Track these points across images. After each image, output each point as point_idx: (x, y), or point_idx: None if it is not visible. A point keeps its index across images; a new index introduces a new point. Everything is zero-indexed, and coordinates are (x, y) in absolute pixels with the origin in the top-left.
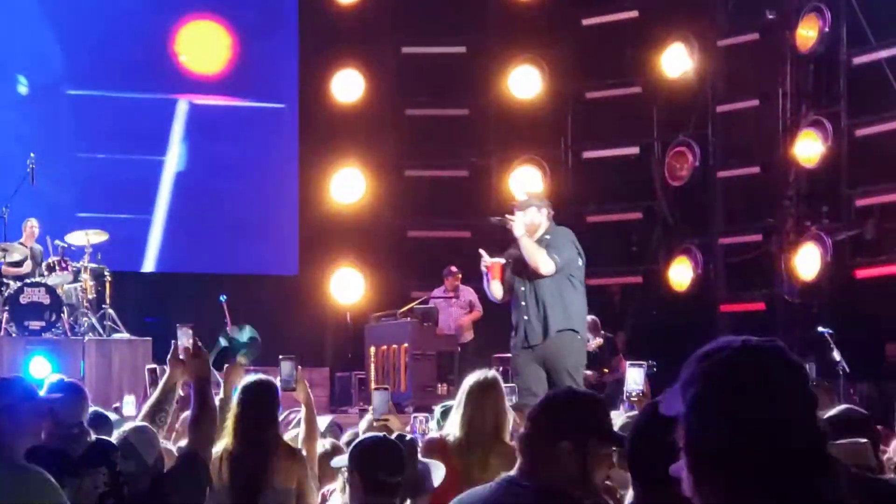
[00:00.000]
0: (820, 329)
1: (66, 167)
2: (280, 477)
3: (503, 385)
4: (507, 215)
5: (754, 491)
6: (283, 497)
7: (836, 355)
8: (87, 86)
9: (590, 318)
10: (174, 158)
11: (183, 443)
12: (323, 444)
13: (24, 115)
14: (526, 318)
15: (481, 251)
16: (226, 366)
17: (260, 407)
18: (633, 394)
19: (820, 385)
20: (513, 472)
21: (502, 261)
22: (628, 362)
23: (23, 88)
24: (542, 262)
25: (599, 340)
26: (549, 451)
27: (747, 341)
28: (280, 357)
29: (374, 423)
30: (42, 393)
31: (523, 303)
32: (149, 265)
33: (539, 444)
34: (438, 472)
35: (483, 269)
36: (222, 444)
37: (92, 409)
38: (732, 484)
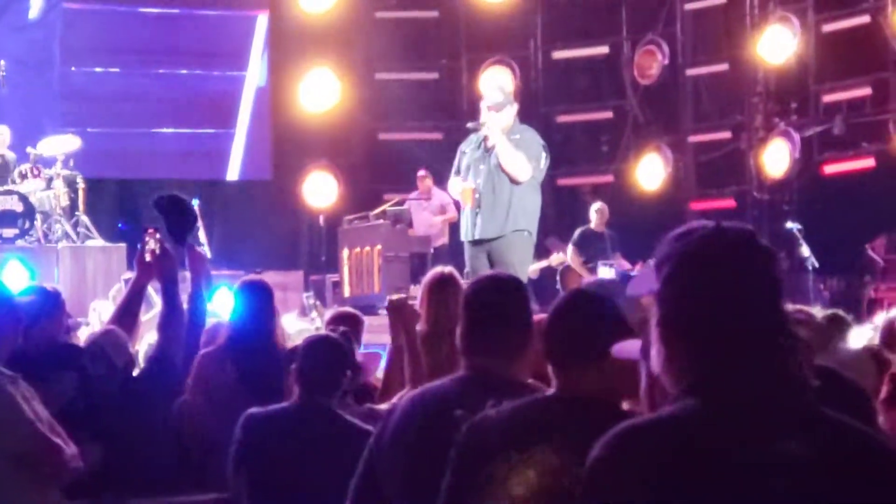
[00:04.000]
0: (789, 225)
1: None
2: (281, 378)
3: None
4: (481, 118)
5: (722, 361)
6: (281, 397)
7: (805, 251)
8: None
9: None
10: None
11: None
12: None
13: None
14: (478, 210)
15: (457, 179)
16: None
17: (259, 306)
18: None
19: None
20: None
21: (473, 186)
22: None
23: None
24: (522, 168)
25: (563, 256)
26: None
27: (721, 224)
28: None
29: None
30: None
31: (477, 194)
32: (122, 171)
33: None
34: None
35: (456, 196)
36: (222, 339)
37: None
38: (702, 355)
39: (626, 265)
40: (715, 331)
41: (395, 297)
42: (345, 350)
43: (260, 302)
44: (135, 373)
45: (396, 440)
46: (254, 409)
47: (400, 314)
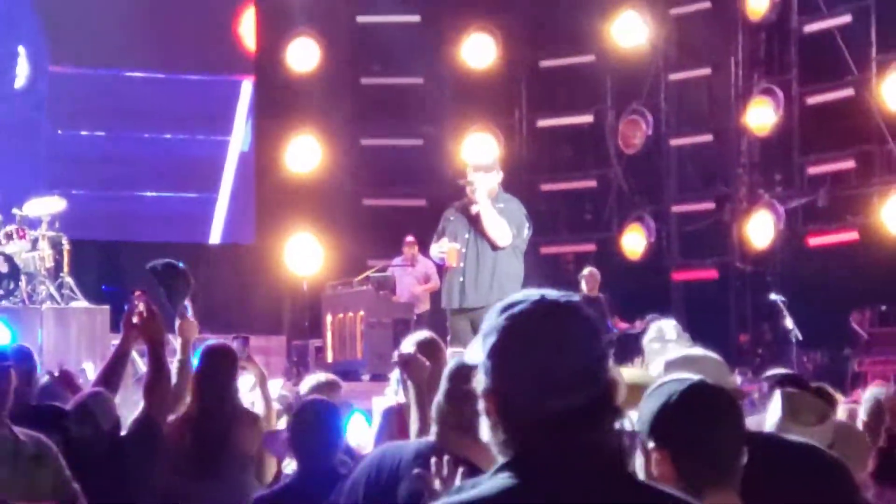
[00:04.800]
0: (773, 296)
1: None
2: (241, 443)
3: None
4: (469, 179)
5: (538, 438)
6: (244, 462)
7: (789, 323)
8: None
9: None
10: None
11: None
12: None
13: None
14: (462, 279)
15: (443, 241)
16: (178, 322)
17: (219, 373)
18: None
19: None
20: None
21: (458, 247)
22: None
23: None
24: (503, 234)
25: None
26: None
27: (545, 296)
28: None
29: None
30: None
31: (461, 263)
32: (107, 234)
33: None
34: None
35: (440, 256)
36: (182, 408)
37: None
38: (519, 430)
39: (624, 326)
40: (532, 406)
41: (403, 351)
42: (335, 410)
43: (216, 366)
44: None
45: (352, 487)
46: (261, 492)
47: (408, 368)
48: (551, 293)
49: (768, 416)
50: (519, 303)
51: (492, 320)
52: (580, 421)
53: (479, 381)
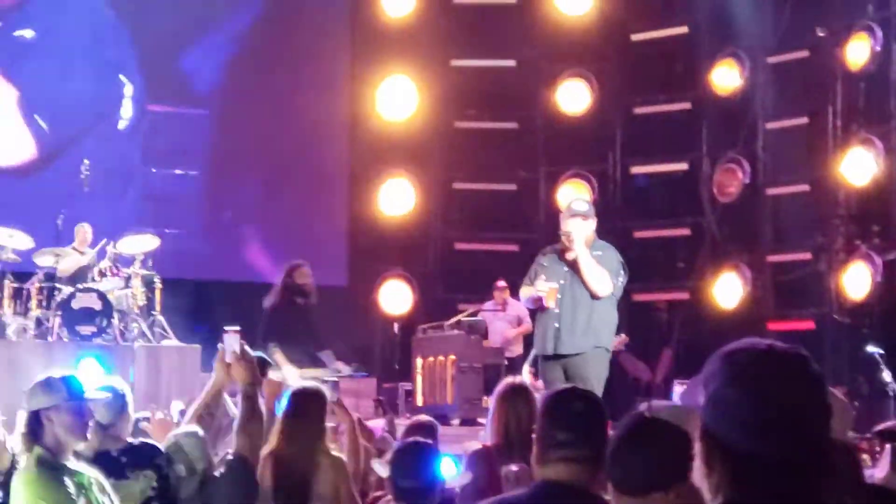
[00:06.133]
0: (870, 349)
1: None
2: (323, 484)
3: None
4: (565, 227)
5: (754, 486)
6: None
7: (887, 376)
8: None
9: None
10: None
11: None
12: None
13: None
14: (557, 325)
15: (540, 280)
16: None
17: (308, 413)
18: None
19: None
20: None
21: (556, 287)
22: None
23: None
24: (603, 284)
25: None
26: None
27: (773, 345)
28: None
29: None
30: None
31: (556, 310)
32: (202, 273)
33: None
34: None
35: (536, 295)
36: (268, 447)
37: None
38: (736, 477)
39: None
40: (752, 454)
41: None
42: (435, 452)
43: (307, 408)
44: (215, 475)
45: None
46: None
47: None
48: (778, 343)
49: (877, 471)
50: (743, 349)
51: (713, 365)
52: (796, 476)
53: (698, 425)
